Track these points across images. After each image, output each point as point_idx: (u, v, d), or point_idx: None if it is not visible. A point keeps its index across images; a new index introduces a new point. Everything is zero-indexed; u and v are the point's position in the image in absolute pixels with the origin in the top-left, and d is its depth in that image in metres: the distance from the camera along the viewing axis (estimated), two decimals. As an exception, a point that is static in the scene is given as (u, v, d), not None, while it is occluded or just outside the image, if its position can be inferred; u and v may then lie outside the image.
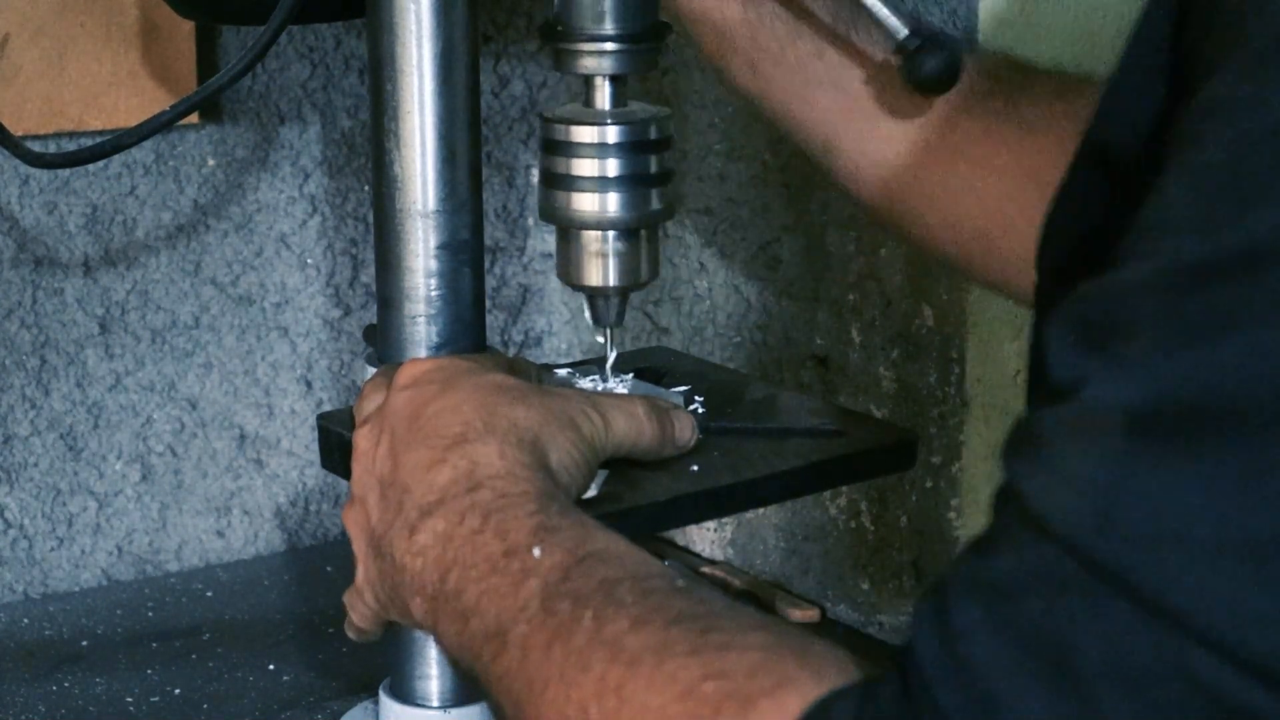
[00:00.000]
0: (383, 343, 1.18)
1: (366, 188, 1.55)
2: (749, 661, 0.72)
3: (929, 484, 1.36)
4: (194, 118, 1.48)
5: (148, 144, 1.47)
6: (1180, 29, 0.69)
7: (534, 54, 1.62)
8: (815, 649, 0.73)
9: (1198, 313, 0.60)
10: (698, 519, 1.37)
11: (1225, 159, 0.61)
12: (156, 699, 1.33)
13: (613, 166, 1.10)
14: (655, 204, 1.12)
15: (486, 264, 1.53)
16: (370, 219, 1.25)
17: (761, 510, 1.48)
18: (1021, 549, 0.64)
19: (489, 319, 1.34)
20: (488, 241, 1.58)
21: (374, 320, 1.20)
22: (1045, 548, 0.63)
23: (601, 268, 1.12)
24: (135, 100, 1.44)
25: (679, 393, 1.18)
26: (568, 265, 1.14)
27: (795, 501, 1.45)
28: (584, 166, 1.11)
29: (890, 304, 1.37)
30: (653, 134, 1.11)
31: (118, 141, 1.24)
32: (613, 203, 1.11)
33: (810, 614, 1.44)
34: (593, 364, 1.22)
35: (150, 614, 1.47)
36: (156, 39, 1.44)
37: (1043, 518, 0.63)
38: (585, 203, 1.11)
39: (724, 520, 1.53)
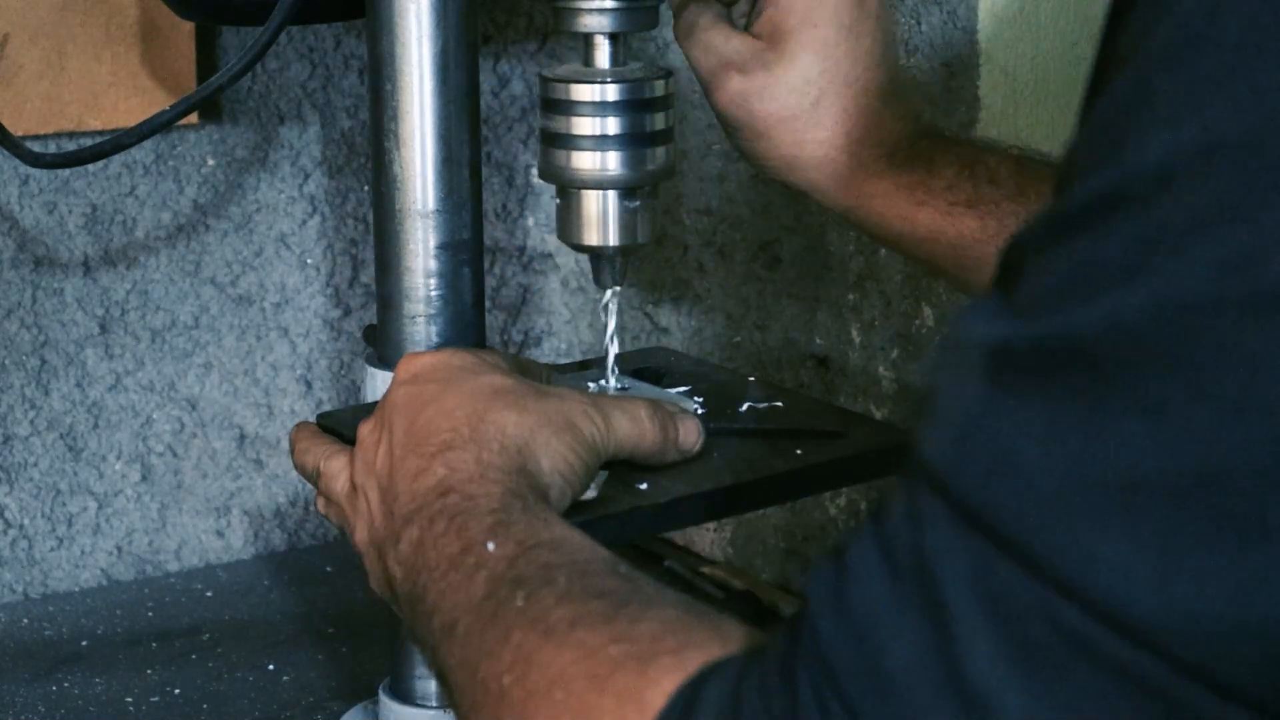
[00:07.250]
0: (383, 343, 1.18)
1: (366, 188, 1.55)
2: (656, 628, 0.73)
3: (929, 484, 1.36)
4: (194, 118, 1.48)
5: (148, 144, 1.47)
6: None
7: (534, 54, 1.62)
8: (728, 623, 0.74)
9: (1061, 260, 0.61)
10: (697, 521, 1.36)
11: (1100, 111, 0.62)
12: (156, 699, 1.33)
13: (612, 125, 1.10)
14: (655, 163, 1.11)
15: (486, 264, 1.53)
16: (370, 219, 1.25)
17: (761, 510, 1.48)
18: (908, 487, 0.65)
19: (489, 319, 1.34)
20: (488, 241, 1.58)
21: (374, 320, 1.20)
22: (920, 483, 0.64)
23: (602, 227, 1.12)
24: (135, 100, 1.44)
25: (679, 393, 1.18)
26: (568, 225, 1.13)
27: (795, 502, 1.45)
28: (583, 125, 1.10)
29: (890, 304, 1.37)
30: (652, 92, 1.10)
31: (118, 141, 1.24)
32: (612, 161, 1.10)
33: (810, 614, 1.44)
34: (593, 364, 1.22)
35: (150, 614, 1.47)
36: (156, 39, 1.44)
37: (920, 455, 0.64)
38: (585, 161, 1.10)
39: (724, 520, 1.53)
